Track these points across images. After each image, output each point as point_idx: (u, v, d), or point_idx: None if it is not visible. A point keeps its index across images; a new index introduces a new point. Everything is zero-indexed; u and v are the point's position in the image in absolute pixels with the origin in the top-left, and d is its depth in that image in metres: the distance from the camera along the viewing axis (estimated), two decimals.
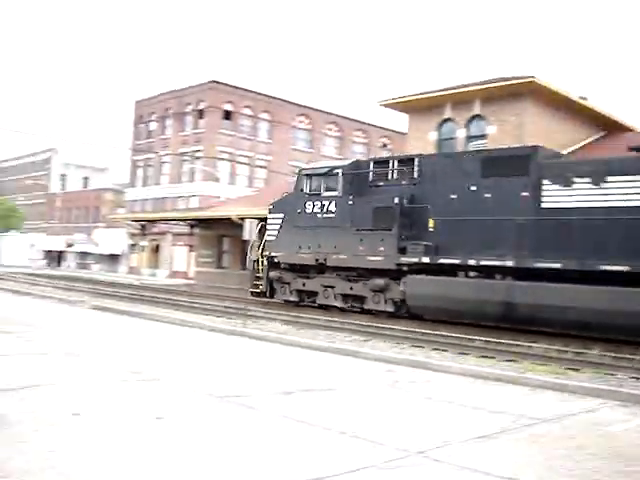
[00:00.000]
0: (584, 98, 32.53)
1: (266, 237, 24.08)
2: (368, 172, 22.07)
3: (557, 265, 16.64)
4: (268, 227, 24.08)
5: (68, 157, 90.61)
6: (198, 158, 61.30)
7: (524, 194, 17.76)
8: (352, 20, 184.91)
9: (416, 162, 20.83)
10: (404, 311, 20.03)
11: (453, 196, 19.29)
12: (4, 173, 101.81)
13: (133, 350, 11.89)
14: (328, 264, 21.76)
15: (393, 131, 71.47)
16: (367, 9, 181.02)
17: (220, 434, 6.25)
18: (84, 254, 76.19)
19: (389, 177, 21.46)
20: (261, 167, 63.58)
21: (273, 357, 11.99)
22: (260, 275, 24.24)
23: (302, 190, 23.07)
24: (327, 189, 22.37)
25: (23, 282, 31.51)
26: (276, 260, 23.52)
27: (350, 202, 21.46)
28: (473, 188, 18.89)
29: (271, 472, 5.20)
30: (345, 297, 21.76)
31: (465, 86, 32.46)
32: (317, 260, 21.50)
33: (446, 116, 33.16)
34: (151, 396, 7.80)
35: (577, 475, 5.60)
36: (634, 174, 16.10)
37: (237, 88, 63.62)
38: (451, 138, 33.08)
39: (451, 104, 32.81)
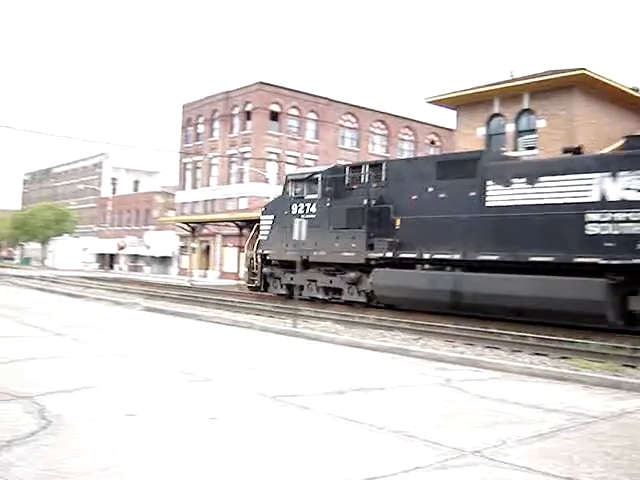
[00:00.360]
0: (636, 89, 31.96)
1: (259, 237, 27.37)
2: (344, 176, 24.46)
3: (495, 257, 18.80)
4: (261, 228, 27.32)
5: (118, 161, 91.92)
6: (246, 159, 61.64)
7: (472, 194, 19.73)
8: (398, 17, 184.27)
9: (384, 167, 23.27)
10: (375, 301, 22.39)
11: (414, 197, 21.50)
12: (57, 178, 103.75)
13: (185, 351, 12.00)
14: (310, 260, 24.05)
15: (441, 127, 70.97)
16: (413, 6, 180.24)
17: (274, 434, 6.27)
18: (135, 256, 77.21)
19: (362, 181, 23.63)
20: (308, 167, 63.69)
21: (324, 356, 12.00)
22: (255, 271, 27.36)
23: (288, 194, 26.02)
24: (309, 192, 25.08)
25: (77, 285, 32.05)
26: (268, 257, 26.54)
27: (328, 204, 24.14)
28: (430, 189, 20.99)
29: (325, 472, 5.20)
30: (326, 290, 24.48)
31: (514, 80, 32.13)
32: (301, 257, 21.62)
33: (495, 111, 32.87)
34: (203, 396, 7.86)
35: (636, 475, 5.50)
36: (562, 174, 17.91)
37: (284, 88, 63.77)
38: (500, 133, 32.79)
39: (499, 99, 32.52)
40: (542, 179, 18.25)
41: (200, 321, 17.71)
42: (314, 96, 65.79)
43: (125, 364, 10.13)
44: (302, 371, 10.17)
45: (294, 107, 64.24)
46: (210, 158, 67.06)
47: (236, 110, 64.87)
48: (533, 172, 18.65)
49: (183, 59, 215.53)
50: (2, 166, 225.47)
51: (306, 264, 23.90)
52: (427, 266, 20.89)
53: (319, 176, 24.88)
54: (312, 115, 65.57)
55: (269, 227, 26.70)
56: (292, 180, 26.31)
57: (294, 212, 24.93)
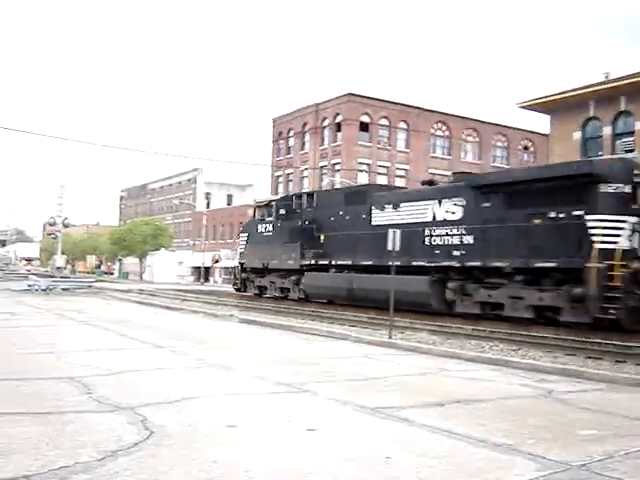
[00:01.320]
0: None
1: (238, 250, 35.81)
2: (291, 203, 31.80)
3: (370, 262, 25.53)
4: (240, 242, 35.67)
5: (212, 176, 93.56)
6: (337, 171, 61.87)
7: (364, 216, 26.58)
8: (487, 23, 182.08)
9: (315, 196, 31.41)
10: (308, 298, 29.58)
11: (332, 218, 28.69)
12: (153, 194, 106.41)
13: (280, 362, 12.05)
14: (269, 267, 32.05)
15: (534, 133, 69.59)
16: (502, 11, 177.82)
17: (371, 447, 6.21)
18: (230, 269, 78.22)
19: (302, 206, 30.92)
20: (400, 177, 63.37)
21: (421, 368, 11.86)
22: (237, 276, 35.58)
23: (255, 217, 34.61)
24: (268, 215, 32.82)
25: (174, 298, 32.72)
26: (244, 266, 34.65)
27: (279, 224, 31.65)
28: (340, 213, 28.19)
29: None
30: (281, 289, 31.70)
31: (609, 82, 31.24)
32: (263, 265, 32.21)
33: (590, 114, 32.01)
34: (301, 408, 7.88)
35: None
36: (414, 201, 24.57)
37: (373, 99, 63.79)
38: (596, 137, 31.92)
39: (594, 102, 31.66)
40: (402, 205, 24.91)
41: (295, 332, 17.80)
42: (404, 105, 65.54)
43: (223, 376, 10.25)
44: (399, 383, 10.07)
45: (384, 117, 64.17)
46: (302, 170, 67.60)
47: (326, 122, 65.25)
48: (397, 200, 25.48)
49: (273, 73, 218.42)
50: (100, 183, 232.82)
51: (268, 270, 32.26)
52: (333, 270, 28.05)
53: (274, 203, 32.95)
54: (402, 125, 65.32)
55: (245, 242, 34.80)
56: (257, 206, 35.42)
57: (259, 231, 33.20)
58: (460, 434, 6.77)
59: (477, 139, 70.11)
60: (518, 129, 71.59)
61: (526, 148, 72.98)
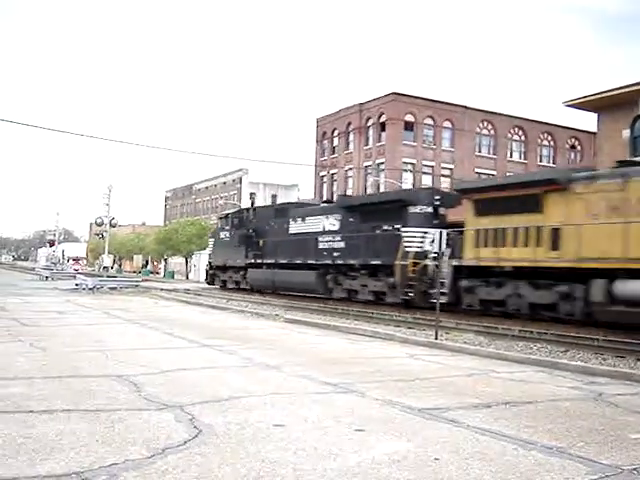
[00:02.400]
0: None
1: (209, 251, 45.28)
2: (242, 215, 40.68)
3: (285, 261, 33.39)
4: (210, 245, 45.19)
5: (256, 176, 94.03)
6: (382, 170, 61.71)
7: (285, 226, 34.36)
8: (531, 21, 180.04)
9: (257, 210, 40.79)
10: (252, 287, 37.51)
11: (267, 227, 36.62)
12: (198, 194, 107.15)
13: (327, 362, 12.05)
14: (227, 265, 40.46)
15: (581, 131, 68.66)
16: (546, 9, 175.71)
17: (420, 447, 6.17)
18: None
19: (248, 218, 39.54)
20: (444, 176, 62.96)
21: (468, 369, 11.77)
22: (208, 272, 44.41)
23: (219, 226, 44.42)
24: (226, 225, 41.59)
25: (219, 297, 32.93)
26: (212, 264, 43.19)
27: (233, 232, 39.88)
28: (272, 224, 36.10)
29: None
30: (236, 282, 39.60)
31: None
32: (224, 263, 40.90)
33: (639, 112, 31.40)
34: (349, 408, 7.85)
35: None
36: (314, 215, 32.27)
37: (418, 98, 63.48)
38: None
39: None
40: (307, 218, 32.75)
41: (341, 332, 17.79)
42: (449, 104, 65.12)
43: (270, 375, 10.28)
44: (445, 384, 10.00)
45: (429, 116, 63.82)
46: (346, 170, 67.56)
47: (370, 122, 65.11)
48: (304, 214, 33.36)
49: (318, 74, 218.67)
50: (146, 184, 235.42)
51: (227, 267, 40.65)
52: (265, 267, 35.65)
53: (230, 215, 42.17)
54: (447, 124, 64.89)
55: (212, 246, 44.01)
56: (219, 217, 48.14)
57: (221, 237, 41.98)
58: (509, 436, 6.70)
59: (523, 138, 69.39)
60: (565, 127, 70.68)
61: (573, 147, 72.04)
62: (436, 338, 15.66)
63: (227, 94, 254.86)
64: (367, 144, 65.21)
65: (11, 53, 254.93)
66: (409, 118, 62.83)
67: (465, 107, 65.91)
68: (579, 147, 71.85)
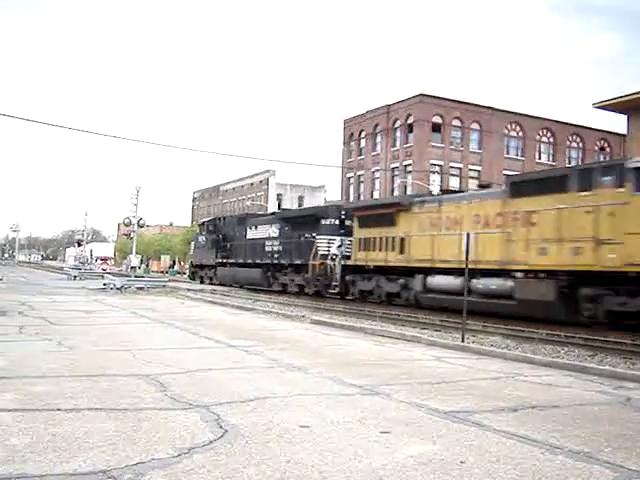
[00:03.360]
0: None
1: (190, 252, 56.19)
2: (215, 223, 49.76)
3: (242, 261, 42.77)
4: (191, 247, 55.98)
5: (284, 177, 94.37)
6: (409, 172, 61.57)
7: (244, 233, 43.15)
8: (562, 24, 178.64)
9: (227, 219, 49.80)
10: (221, 282, 46.02)
11: (232, 233, 45.71)
12: (225, 195, 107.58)
13: (352, 363, 12.04)
14: (203, 264, 50.46)
15: (611, 133, 68.09)
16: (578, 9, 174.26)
17: (446, 450, 6.14)
18: None
19: (219, 225, 48.68)
20: (472, 178, 62.68)
21: (495, 372, 11.70)
22: (190, 270, 56.03)
23: (198, 231, 54.28)
24: (203, 230, 51.22)
25: (246, 298, 33.02)
26: (193, 263, 54.07)
27: (208, 237, 49.00)
28: (235, 230, 45.02)
29: None
30: (210, 278, 48.74)
31: None
32: (201, 262, 50.98)
33: None
34: (374, 410, 7.84)
35: None
36: (263, 224, 41.07)
37: (445, 99, 63.32)
38: None
39: None
40: (259, 226, 41.82)
41: (367, 334, 17.75)
42: (477, 106, 64.88)
43: (296, 376, 10.29)
44: (472, 387, 9.95)
45: (456, 118, 63.61)
46: (373, 172, 67.48)
47: (398, 123, 65.03)
48: (257, 223, 42.50)
49: (345, 75, 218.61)
50: (174, 185, 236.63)
51: (203, 266, 50.68)
52: (228, 266, 45.05)
53: (206, 223, 51.67)
54: (475, 125, 64.64)
55: (193, 248, 54.13)
56: (198, 225, 57.82)
57: (199, 240, 51.69)
58: (535, 440, 6.65)
59: (551, 140, 68.93)
60: (594, 129, 70.15)
61: (602, 149, 71.45)
62: (462, 341, 15.58)
63: (256, 96, 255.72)
64: (394, 145, 65.12)
65: (43, 56, 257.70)
66: (436, 119, 62.68)
67: (493, 108, 65.60)
68: (608, 149, 71.26)
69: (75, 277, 54.30)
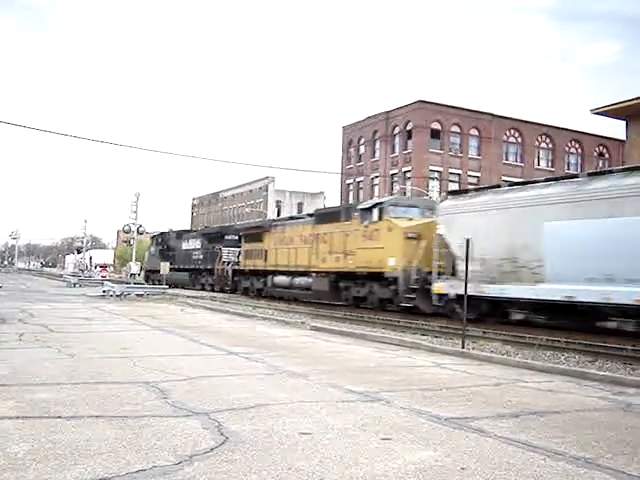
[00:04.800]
0: None
1: (145, 261, 65.60)
2: (163, 237, 60.58)
3: (180, 267, 53.94)
4: (146, 256, 65.15)
5: (283, 184, 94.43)
6: (408, 179, 61.61)
7: (181, 245, 55.78)
8: (560, 29, 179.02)
9: (172, 233, 60.73)
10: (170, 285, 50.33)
11: (174, 245, 56.99)
12: (225, 202, 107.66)
13: (353, 370, 12.04)
14: (153, 270, 56.81)
15: (609, 139, 68.19)
16: (576, 16, 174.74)
17: (446, 457, 6.14)
18: None
19: (167, 239, 59.54)
20: (471, 184, 62.66)
21: (495, 379, 11.70)
22: (145, 275, 64.25)
23: (150, 243, 64.75)
24: (154, 243, 62.10)
25: (246, 305, 32.97)
26: (146, 269, 63.80)
27: (157, 248, 59.92)
28: (177, 243, 56.87)
29: None
30: (159, 281, 50.55)
31: None
32: (153, 268, 57.25)
33: None
34: (375, 417, 7.84)
35: None
36: (194, 239, 53.98)
37: (444, 106, 63.43)
38: None
39: None
40: (189, 240, 54.21)
41: (367, 341, 17.74)
42: (476, 112, 65.00)
43: (296, 383, 10.28)
44: (472, 393, 9.95)
45: (455, 124, 63.72)
46: (372, 178, 67.52)
47: (397, 129, 65.16)
48: (188, 237, 55.32)
49: (344, 82, 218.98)
50: (173, 191, 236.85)
51: (154, 271, 55.93)
52: (171, 271, 49.04)
53: (155, 236, 62.80)
54: (474, 131, 64.77)
55: (147, 255, 64.27)
56: (150, 237, 65.65)
57: (151, 250, 62.55)
58: (536, 446, 6.66)
59: (550, 146, 69.02)
60: (593, 135, 70.26)
61: (601, 155, 71.55)
62: (463, 347, 15.57)
63: (255, 102, 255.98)
64: (393, 152, 65.22)
65: (42, 62, 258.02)
66: (435, 126, 62.77)
67: (492, 115, 65.72)
68: (607, 155, 71.37)
69: (75, 284, 54.30)
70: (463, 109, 64.41)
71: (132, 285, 44.29)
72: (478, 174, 63.88)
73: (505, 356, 14.58)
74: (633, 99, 32.38)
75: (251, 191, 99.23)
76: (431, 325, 21.62)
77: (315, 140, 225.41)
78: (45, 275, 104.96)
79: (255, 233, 41.10)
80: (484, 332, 19.25)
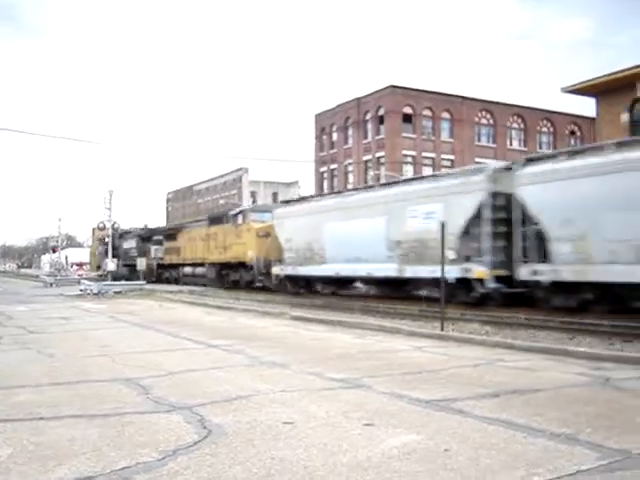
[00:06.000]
0: None
1: (95, 258, 72.91)
2: (114, 234, 57.21)
3: (124, 262, 57.10)
4: (95, 254, 72.55)
5: (257, 175, 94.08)
6: (382, 164, 61.67)
7: (122, 243, 60.37)
8: (530, 8, 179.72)
9: (114, 234, 55.39)
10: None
11: (120, 243, 59.51)
12: (200, 195, 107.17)
13: (333, 357, 12.08)
14: (99, 265, 64.04)
15: (581, 117, 68.59)
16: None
17: (429, 439, 6.19)
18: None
19: (123, 238, 61.86)
20: (445, 167, 62.85)
21: (475, 359, 11.78)
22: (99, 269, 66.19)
23: (97, 243, 69.89)
24: (101, 242, 63.19)
25: (226, 298, 32.91)
26: (95, 265, 72.36)
27: (104, 247, 56.99)
28: (121, 242, 60.23)
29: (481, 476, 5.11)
30: (106, 275, 52.92)
31: None
32: (100, 265, 63.17)
33: (638, 95, 31.39)
34: (357, 403, 7.88)
35: None
36: (131, 239, 60.81)
37: (415, 90, 63.44)
38: None
39: None
40: (128, 240, 60.84)
41: (346, 328, 17.80)
42: (447, 95, 65.11)
43: (278, 373, 10.30)
44: (453, 375, 10.02)
45: (427, 108, 63.77)
46: (345, 165, 67.52)
47: (369, 115, 65.09)
48: (128, 237, 61.17)
49: (314, 70, 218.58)
50: (147, 186, 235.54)
51: (100, 267, 62.42)
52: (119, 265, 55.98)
53: (101, 238, 64.10)
54: (446, 114, 64.87)
55: (97, 253, 68.69)
56: (96, 239, 70.84)
57: (99, 249, 65.20)
58: (517, 424, 6.73)
59: (522, 125, 69.35)
60: (564, 114, 70.60)
61: (572, 133, 71.99)
62: (442, 329, 15.68)
63: (225, 93, 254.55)
64: (366, 138, 65.19)
65: (12, 59, 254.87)
66: (407, 110, 62.79)
67: (463, 97, 65.87)
68: (579, 133, 71.82)
69: (51, 284, 53.92)
70: (434, 92, 64.47)
71: (109, 282, 44.06)
72: (452, 157, 64.06)
73: (484, 337, 14.70)
74: (602, 76, 32.61)
75: (225, 183, 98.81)
76: (410, 309, 21.72)
77: (288, 129, 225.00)
78: (22, 276, 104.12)
79: (172, 233, 52.05)
80: (462, 314, 19.38)
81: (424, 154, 63.02)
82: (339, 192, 35.27)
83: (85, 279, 52.03)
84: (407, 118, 62.89)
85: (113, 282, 44.41)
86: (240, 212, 39.77)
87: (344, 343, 14.56)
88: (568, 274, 18.29)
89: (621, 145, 18.35)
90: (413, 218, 24.17)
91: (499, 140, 67.32)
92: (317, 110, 74.04)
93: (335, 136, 70.09)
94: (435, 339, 14.83)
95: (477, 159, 59.78)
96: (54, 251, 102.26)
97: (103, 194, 50.93)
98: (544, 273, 19.29)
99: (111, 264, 51.93)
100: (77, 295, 37.33)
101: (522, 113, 69.16)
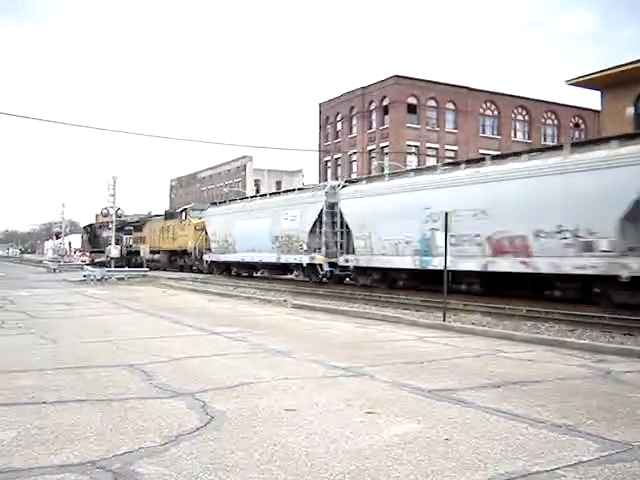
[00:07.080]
0: None
1: (82, 243, 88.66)
2: (89, 227, 76.64)
3: (97, 250, 68.48)
4: (81, 242, 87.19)
5: (261, 163, 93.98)
6: (386, 154, 61.56)
7: (102, 233, 64.95)
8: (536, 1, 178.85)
9: (94, 225, 74.78)
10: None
11: (98, 233, 68.59)
12: (204, 183, 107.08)
13: (336, 346, 12.10)
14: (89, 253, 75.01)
15: (585, 109, 68.35)
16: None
17: (430, 428, 6.22)
18: None
19: (94, 228, 72.14)
20: (449, 158, 62.67)
21: (476, 350, 11.81)
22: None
23: (83, 231, 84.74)
24: (85, 231, 79.54)
25: (227, 285, 32.96)
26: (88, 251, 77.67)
27: (87, 236, 77.74)
28: (98, 233, 68.88)
29: (482, 466, 5.13)
30: (92, 260, 66.67)
31: None
32: (91, 251, 73.63)
33: None
34: (359, 391, 7.91)
35: None
36: (106, 229, 60.71)
37: (420, 80, 63.23)
38: None
39: None
40: (104, 230, 63.11)
41: (349, 317, 17.83)
42: (452, 86, 64.87)
43: (280, 361, 10.34)
44: (454, 365, 10.05)
45: (432, 98, 63.56)
46: (350, 155, 67.42)
47: (373, 105, 64.91)
48: (104, 227, 62.39)
49: (320, 59, 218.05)
50: (151, 173, 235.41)
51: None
52: (93, 253, 69.48)
53: (85, 227, 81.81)
54: (450, 105, 64.65)
55: (81, 241, 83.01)
56: (82, 228, 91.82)
57: (84, 237, 79.15)
58: (518, 415, 6.75)
59: (527, 117, 69.14)
60: (568, 106, 70.34)
61: (577, 125, 71.76)
62: (444, 320, 15.71)
63: (230, 82, 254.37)
64: (370, 128, 65.04)
65: (16, 45, 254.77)
66: (412, 100, 62.60)
67: (468, 88, 65.63)
68: (583, 125, 71.59)
69: (55, 270, 53.95)
70: (439, 83, 64.25)
71: (112, 269, 44.07)
72: (455, 148, 63.89)
73: (486, 327, 14.72)
74: (607, 69, 32.46)
75: (229, 171, 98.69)
76: (412, 299, 21.74)
77: (293, 118, 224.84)
78: (25, 262, 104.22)
79: (140, 225, 61.25)
80: (465, 304, 19.39)
81: (428, 145, 62.87)
82: (246, 197, 45.23)
83: (87, 265, 54.47)
84: (412, 108, 62.71)
85: (115, 268, 44.43)
86: (184, 210, 50.63)
87: (347, 332, 14.60)
88: (362, 262, 27.46)
89: (392, 176, 27.95)
90: (285, 220, 33.34)
91: (503, 132, 67.13)
92: (322, 99, 73.82)
93: (339, 125, 69.92)
94: (437, 329, 14.85)
95: (481, 150, 59.56)
96: (57, 237, 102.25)
97: (107, 180, 49.06)
98: (351, 261, 28.27)
99: (114, 250, 51.80)
100: (80, 281, 37.36)
101: (526, 105, 68.92)
